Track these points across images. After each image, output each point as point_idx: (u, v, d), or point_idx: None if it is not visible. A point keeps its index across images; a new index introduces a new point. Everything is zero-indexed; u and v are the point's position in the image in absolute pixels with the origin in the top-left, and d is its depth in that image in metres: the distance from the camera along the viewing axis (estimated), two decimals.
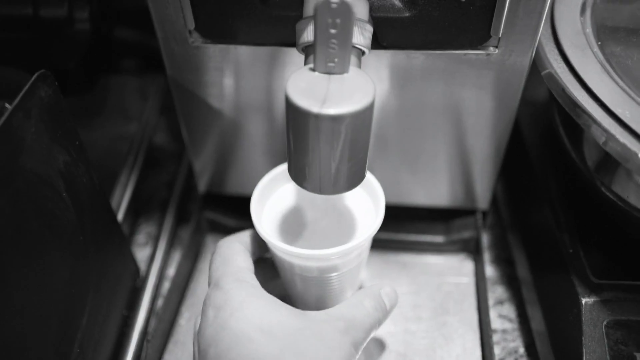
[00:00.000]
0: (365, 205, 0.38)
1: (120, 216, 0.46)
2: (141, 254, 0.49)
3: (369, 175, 0.36)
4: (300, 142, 0.27)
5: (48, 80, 0.30)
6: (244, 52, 0.35)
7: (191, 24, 0.34)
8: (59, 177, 0.31)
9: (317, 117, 0.25)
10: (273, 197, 0.38)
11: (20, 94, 0.28)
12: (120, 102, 0.58)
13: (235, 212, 0.48)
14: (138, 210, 0.52)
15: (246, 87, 0.38)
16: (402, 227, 0.47)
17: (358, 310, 0.32)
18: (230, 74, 0.37)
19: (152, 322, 0.43)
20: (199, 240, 0.49)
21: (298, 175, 0.29)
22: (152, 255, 0.47)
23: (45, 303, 0.29)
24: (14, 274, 0.27)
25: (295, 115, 0.26)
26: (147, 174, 0.54)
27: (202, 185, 0.46)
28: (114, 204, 0.47)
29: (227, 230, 0.47)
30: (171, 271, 0.47)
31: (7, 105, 0.40)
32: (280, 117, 0.39)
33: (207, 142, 0.42)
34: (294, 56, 0.35)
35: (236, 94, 0.38)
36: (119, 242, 0.40)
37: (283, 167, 0.37)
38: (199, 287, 0.46)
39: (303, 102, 0.25)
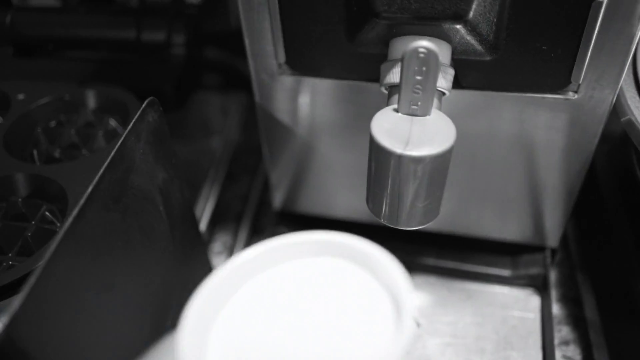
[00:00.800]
0: (379, 308, 0.22)
1: (202, 226, 0.50)
2: (216, 261, 0.52)
3: (387, 261, 0.23)
4: (381, 178, 0.29)
5: (155, 106, 0.34)
6: (328, 85, 0.38)
7: (282, 58, 0.37)
8: (158, 192, 0.34)
9: (400, 157, 0.27)
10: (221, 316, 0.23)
11: (133, 120, 0.31)
12: (204, 118, 0.62)
13: (308, 229, 0.50)
14: (215, 220, 0.55)
15: (328, 117, 0.40)
16: (469, 257, 0.47)
17: None
18: (315, 104, 0.39)
19: None
20: None
21: (376, 208, 0.31)
22: None
23: (141, 307, 0.33)
24: (122, 280, 0.30)
25: (379, 154, 0.28)
26: (225, 186, 0.58)
27: (277, 202, 0.49)
28: (196, 214, 0.51)
29: None
30: None
31: (111, 121, 0.45)
32: (358, 147, 0.41)
33: (286, 164, 0.45)
34: (376, 92, 0.37)
35: (318, 123, 0.41)
36: (201, 251, 0.44)
37: (225, 272, 0.24)
38: None
39: (387, 142, 0.27)
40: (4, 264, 0.34)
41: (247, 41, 0.37)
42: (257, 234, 0.55)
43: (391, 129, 0.28)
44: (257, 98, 0.41)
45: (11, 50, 0.52)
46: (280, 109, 0.41)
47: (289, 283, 0.24)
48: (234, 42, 0.40)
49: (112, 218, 0.29)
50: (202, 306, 0.22)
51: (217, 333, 0.22)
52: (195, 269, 0.42)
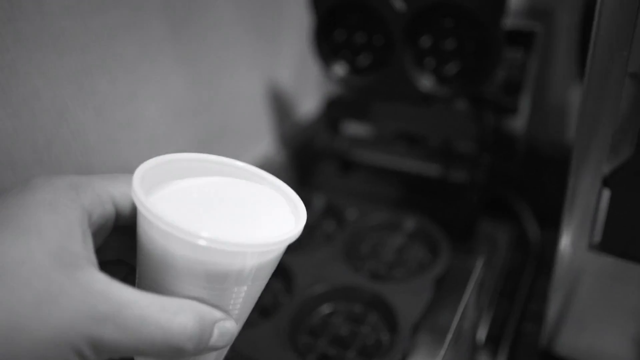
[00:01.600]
0: (283, 209, 0.30)
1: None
2: None
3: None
4: None
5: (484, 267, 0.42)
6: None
7: (598, 237, 0.43)
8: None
9: None
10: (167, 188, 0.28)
11: (474, 280, 0.39)
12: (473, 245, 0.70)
13: None
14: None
15: (631, 302, 0.44)
16: None
17: (166, 317, 0.23)
18: (618, 287, 0.44)
19: None
20: None
21: None
22: None
23: None
24: None
25: None
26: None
27: (547, 344, 0.54)
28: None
29: None
30: None
31: (420, 249, 0.54)
32: None
33: (570, 317, 0.49)
34: None
35: (615, 303, 0.45)
36: None
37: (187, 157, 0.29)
38: None
39: None
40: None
41: (565, 219, 0.44)
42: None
43: None
44: (557, 267, 0.46)
45: (338, 168, 0.66)
46: (581, 278, 0.46)
47: (217, 187, 0.30)
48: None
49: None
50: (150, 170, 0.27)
51: (158, 193, 0.27)
52: None
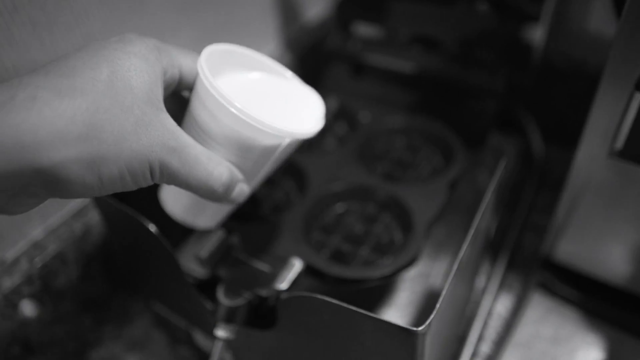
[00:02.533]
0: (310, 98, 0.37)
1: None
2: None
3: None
4: None
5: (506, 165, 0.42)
6: None
7: (619, 145, 0.42)
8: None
9: None
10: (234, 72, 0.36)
11: (496, 178, 0.39)
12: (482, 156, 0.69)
13: (567, 281, 0.56)
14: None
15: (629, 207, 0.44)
16: None
17: (212, 164, 0.30)
18: (636, 194, 0.44)
19: (482, 347, 0.54)
20: (528, 295, 0.57)
21: None
22: (484, 288, 0.58)
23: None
24: None
25: None
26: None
27: (549, 252, 0.55)
28: None
29: (556, 293, 0.55)
30: (497, 308, 0.58)
31: (435, 152, 0.54)
32: None
33: (576, 226, 0.50)
34: None
35: (630, 208, 0.45)
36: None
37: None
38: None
39: None
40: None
41: (589, 124, 0.43)
42: (512, 267, 0.62)
43: None
44: (574, 170, 0.47)
45: (352, 70, 0.64)
46: (594, 187, 0.46)
47: (265, 81, 0.37)
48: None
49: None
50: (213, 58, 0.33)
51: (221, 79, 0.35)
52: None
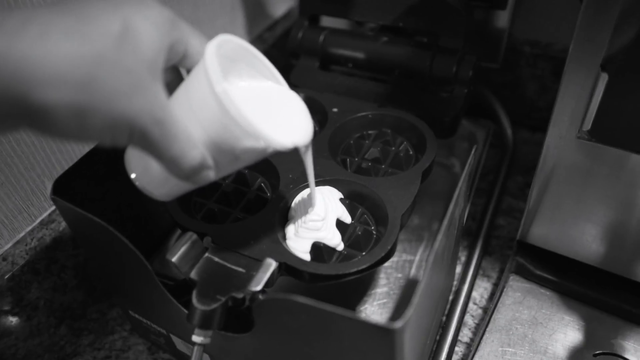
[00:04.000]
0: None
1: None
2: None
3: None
4: None
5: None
6: (625, 157, 0.43)
7: (587, 126, 0.43)
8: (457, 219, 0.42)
9: None
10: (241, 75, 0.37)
11: (468, 164, 0.39)
12: (450, 142, 0.70)
13: (542, 264, 0.56)
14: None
15: (610, 184, 0.45)
16: None
17: (188, 145, 0.31)
18: (602, 172, 0.44)
19: (463, 334, 0.54)
20: (505, 280, 0.58)
21: None
22: (462, 275, 0.58)
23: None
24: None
25: None
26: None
27: (524, 234, 0.55)
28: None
29: (532, 275, 0.56)
30: (475, 294, 0.58)
31: (405, 142, 0.53)
32: (629, 208, 0.46)
33: (549, 208, 0.51)
34: None
35: (597, 187, 0.46)
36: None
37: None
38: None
39: None
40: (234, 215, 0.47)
41: (557, 107, 0.43)
42: (487, 254, 0.62)
43: None
44: (544, 155, 0.47)
45: (318, 63, 0.63)
46: (565, 168, 0.46)
47: (268, 89, 0.38)
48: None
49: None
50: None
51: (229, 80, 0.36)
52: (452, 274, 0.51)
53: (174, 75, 0.36)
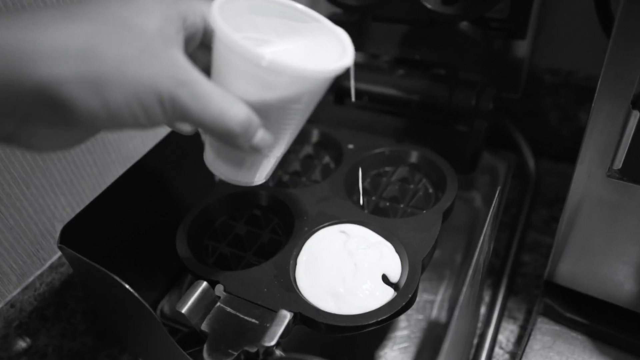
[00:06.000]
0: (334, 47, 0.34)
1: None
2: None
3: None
4: None
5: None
6: None
7: (618, 164, 0.40)
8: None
9: None
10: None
11: (495, 200, 0.37)
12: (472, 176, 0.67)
13: (571, 305, 0.53)
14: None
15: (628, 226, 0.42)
16: None
17: (226, 103, 0.29)
18: (637, 213, 0.42)
19: None
20: (533, 322, 0.55)
21: None
22: (487, 317, 0.55)
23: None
24: None
25: None
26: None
27: (551, 274, 0.52)
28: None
29: (562, 318, 0.53)
30: (501, 337, 0.55)
31: (426, 180, 0.51)
32: None
33: (577, 246, 0.48)
34: None
35: (627, 227, 0.43)
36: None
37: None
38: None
39: None
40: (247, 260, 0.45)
41: (587, 137, 0.41)
42: (513, 294, 0.59)
43: None
44: (572, 191, 0.44)
45: (332, 97, 0.62)
46: (593, 206, 0.44)
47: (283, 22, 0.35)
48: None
49: None
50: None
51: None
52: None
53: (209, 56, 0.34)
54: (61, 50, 0.25)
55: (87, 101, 0.25)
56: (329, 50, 0.33)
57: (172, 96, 0.27)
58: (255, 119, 0.31)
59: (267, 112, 0.32)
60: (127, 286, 0.37)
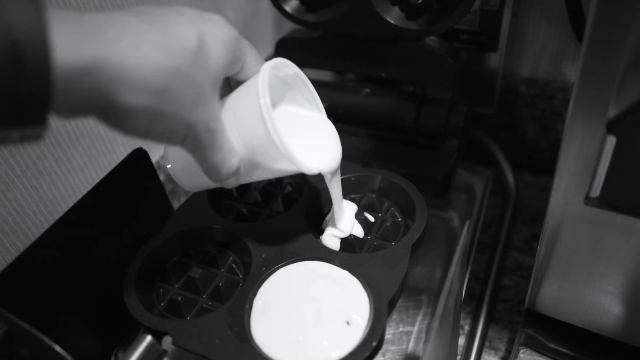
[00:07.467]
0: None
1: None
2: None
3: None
4: None
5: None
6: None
7: (595, 192, 0.37)
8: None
9: None
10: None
11: (461, 242, 0.33)
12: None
13: (554, 335, 0.50)
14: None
15: (623, 252, 0.39)
16: None
17: (229, 154, 0.35)
18: (613, 240, 0.39)
19: None
20: (515, 349, 0.51)
21: None
22: (466, 349, 0.52)
23: None
24: None
25: None
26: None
27: (532, 302, 0.49)
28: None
29: (545, 348, 0.49)
30: None
31: (394, 208, 0.48)
32: None
33: (559, 274, 0.45)
34: None
35: (609, 255, 0.40)
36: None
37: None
38: None
39: None
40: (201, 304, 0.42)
41: (560, 166, 0.38)
42: (493, 322, 0.56)
43: None
44: (548, 220, 0.41)
45: None
46: (572, 235, 0.41)
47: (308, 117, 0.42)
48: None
49: None
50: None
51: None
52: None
53: (224, 83, 0.38)
54: (144, 87, 0.27)
55: (140, 125, 0.28)
56: (325, 148, 0.41)
57: (197, 137, 0.31)
58: (240, 170, 0.36)
59: (249, 167, 0.37)
60: (58, 348, 0.33)
